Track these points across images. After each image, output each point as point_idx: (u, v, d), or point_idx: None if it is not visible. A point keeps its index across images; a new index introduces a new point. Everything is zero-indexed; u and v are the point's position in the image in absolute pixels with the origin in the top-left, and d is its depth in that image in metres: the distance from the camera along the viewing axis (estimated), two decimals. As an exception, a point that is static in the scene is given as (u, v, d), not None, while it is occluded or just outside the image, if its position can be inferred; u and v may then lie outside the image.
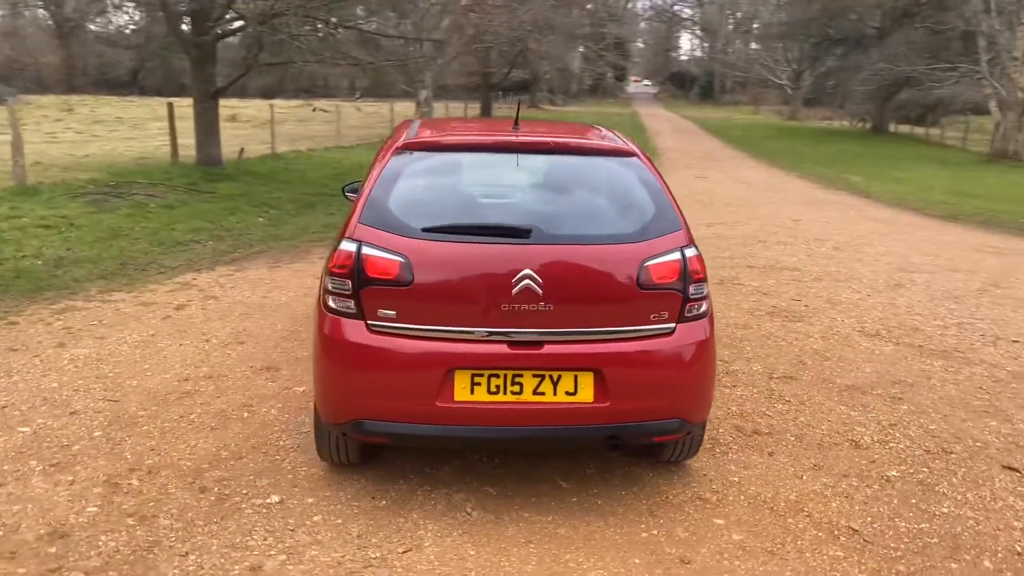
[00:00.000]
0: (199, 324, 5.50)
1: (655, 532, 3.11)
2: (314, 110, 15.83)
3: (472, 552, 2.92)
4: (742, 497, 3.42)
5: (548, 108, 47.66)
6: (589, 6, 40.06)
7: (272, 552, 2.88)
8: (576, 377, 2.99)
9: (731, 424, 4.15)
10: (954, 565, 2.96)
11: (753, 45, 58.61)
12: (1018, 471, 3.73)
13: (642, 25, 75.52)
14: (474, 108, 34.85)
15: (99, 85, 45.63)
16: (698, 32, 76.69)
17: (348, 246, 3.05)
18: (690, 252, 3.15)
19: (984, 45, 22.40)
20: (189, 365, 4.73)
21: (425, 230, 3.03)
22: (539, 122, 3.88)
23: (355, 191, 4.89)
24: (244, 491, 3.30)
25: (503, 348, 2.97)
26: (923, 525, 3.23)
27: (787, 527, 3.19)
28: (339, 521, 3.10)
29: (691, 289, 3.11)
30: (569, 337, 2.99)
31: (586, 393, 3.00)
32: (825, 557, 2.98)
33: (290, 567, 2.80)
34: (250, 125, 25.25)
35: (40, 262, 6.88)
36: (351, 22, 12.18)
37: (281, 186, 12.41)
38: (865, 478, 3.62)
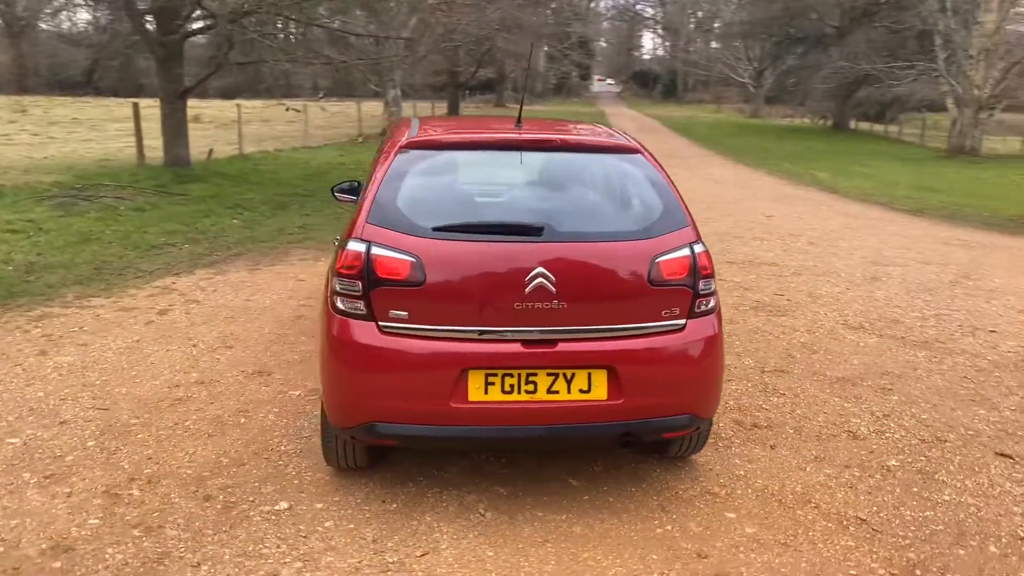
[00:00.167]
0: (184, 329, 5.38)
1: (669, 528, 3.12)
2: (287, 109, 15.55)
3: (490, 553, 2.89)
4: (750, 490, 3.45)
5: (514, 107, 47.67)
6: (554, 5, 40.15)
7: (287, 560, 2.82)
8: (590, 375, 2.99)
9: (730, 418, 4.19)
10: (961, 551, 3.02)
11: (714, 44, 59.40)
12: (1011, 457, 3.83)
13: (605, 24, 75.98)
14: (441, 107, 34.71)
15: (52, 86, 44.37)
16: (660, 31, 77.44)
17: (357, 246, 3.00)
18: (699, 248, 3.17)
19: (940, 43, 22.99)
20: (178, 371, 4.62)
21: (436, 229, 2.99)
22: (541, 119, 3.87)
23: (345, 191, 4.85)
24: (250, 498, 3.23)
25: (517, 347, 2.95)
26: (927, 513, 3.29)
27: (797, 519, 3.22)
28: (351, 526, 3.05)
29: (700, 285, 3.13)
30: (583, 335, 2.98)
31: (600, 391, 2.99)
32: (838, 547, 3.02)
33: (307, 574, 2.74)
34: (213, 126, 24.82)
35: (11, 268, 6.66)
36: (321, 20, 11.98)
37: (252, 187, 12.21)
38: (866, 468, 3.68)
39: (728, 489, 3.45)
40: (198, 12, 10.81)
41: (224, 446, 3.70)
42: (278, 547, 2.89)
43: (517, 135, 3.37)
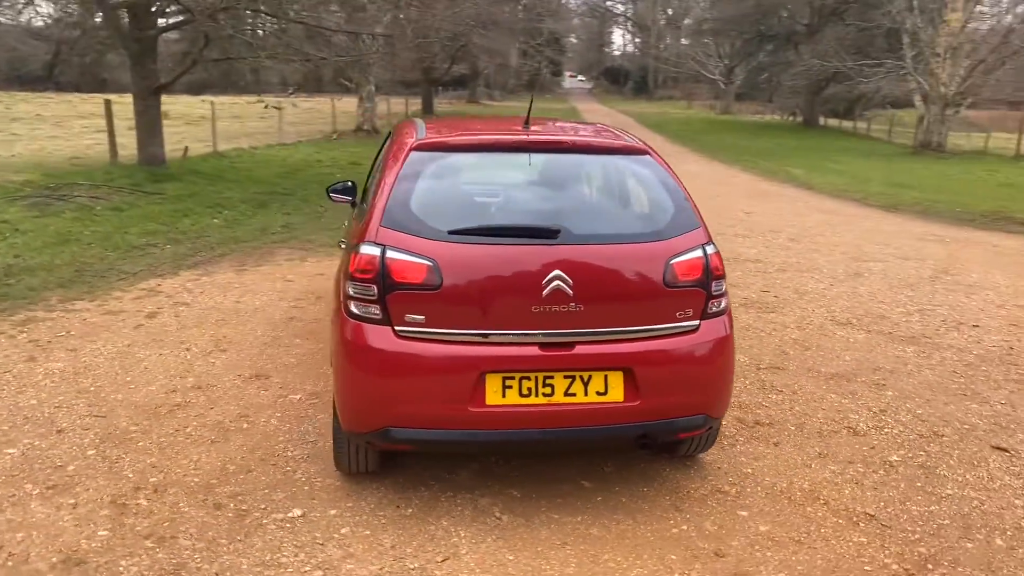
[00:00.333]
0: (175, 332, 5.28)
1: (684, 527, 3.15)
2: (266, 107, 15.36)
3: (511, 557, 2.89)
4: (759, 488, 3.49)
5: (488, 103, 47.58)
6: (525, 1, 40.16)
7: (306, 568, 2.78)
8: (606, 377, 2.99)
9: (733, 416, 4.23)
10: (969, 544, 3.09)
11: (684, 40, 59.82)
12: (1007, 451, 3.92)
13: (575, 21, 76.14)
14: (415, 103, 34.51)
15: (10, 81, 43.20)
16: (630, 27, 77.79)
17: (371, 250, 2.97)
18: (710, 249, 3.19)
19: (908, 42, 23.43)
20: (174, 376, 4.53)
21: (452, 232, 2.97)
22: (548, 120, 3.86)
23: (339, 191, 4.79)
24: (262, 506, 3.18)
25: (534, 350, 2.94)
26: (933, 507, 3.36)
27: (808, 516, 3.27)
28: (368, 532, 3.02)
29: (713, 286, 3.15)
30: (600, 337, 2.99)
31: (616, 392, 3.00)
32: (850, 544, 3.07)
33: (328, 583, 2.72)
34: (183, 122, 24.38)
35: (-11, 271, 6.48)
36: (301, 16, 11.82)
37: (230, 185, 12.03)
38: (869, 464, 3.75)
39: (738, 487, 3.48)
40: (173, 7, 10.59)
41: (229, 452, 3.64)
42: (296, 555, 2.86)
43: (529, 136, 3.36)
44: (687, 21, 59.10)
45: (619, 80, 71.39)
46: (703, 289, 3.12)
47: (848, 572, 2.88)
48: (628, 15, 75.05)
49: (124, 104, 15.16)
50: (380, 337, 2.94)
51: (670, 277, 3.05)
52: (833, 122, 35.91)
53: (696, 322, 3.12)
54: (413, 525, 3.08)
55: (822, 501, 3.39)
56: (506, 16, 27.06)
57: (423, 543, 2.96)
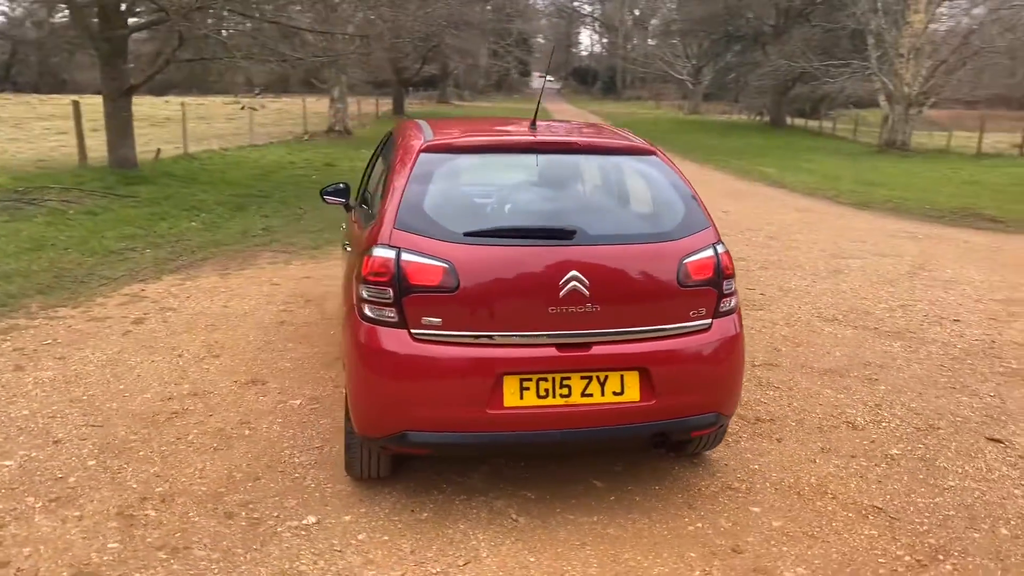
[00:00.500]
0: (165, 338, 5.18)
1: (700, 525, 3.17)
2: (242, 108, 15.12)
3: (532, 559, 2.88)
4: (767, 484, 3.53)
5: (458, 104, 47.47)
6: (494, 1, 40.15)
7: (327, 576, 2.75)
8: (622, 377, 3.00)
9: (735, 413, 4.26)
10: (976, 534, 3.16)
11: (651, 41, 60.31)
12: (1001, 442, 4.02)
13: (543, 21, 76.34)
14: (385, 104, 34.30)
15: (-36, 82, 42.07)
16: (598, 28, 78.22)
17: (385, 253, 2.94)
18: (720, 248, 3.22)
19: (873, 43, 23.92)
20: (168, 383, 4.44)
21: (467, 234, 2.95)
22: (552, 121, 3.86)
23: (331, 193, 4.74)
24: (275, 514, 3.14)
25: (552, 351, 2.94)
26: (937, 499, 3.43)
27: (818, 510, 3.31)
28: (386, 538, 2.99)
29: (724, 285, 3.18)
30: (616, 337, 2.99)
31: (632, 392, 3.01)
32: (862, 537, 3.12)
33: (351, 590, 2.68)
34: (148, 124, 23.91)
35: (-36, 278, 6.29)
36: (276, 16, 11.67)
37: (205, 188, 11.84)
38: (871, 457, 3.81)
39: (747, 484, 3.52)
40: (145, 6, 10.38)
41: (234, 460, 3.58)
42: (315, 563, 2.82)
43: (537, 137, 3.36)
44: (654, 22, 59.65)
45: (587, 80, 71.73)
46: (715, 288, 3.15)
47: (863, 565, 2.93)
48: (595, 15, 75.45)
49: (86, 105, 14.81)
50: (396, 340, 2.91)
51: (683, 276, 3.08)
52: (799, 122, 36.51)
53: (708, 321, 3.14)
54: (430, 529, 3.06)
55: (830, 495, 3.44)
56: (477, 16, 27.00)
57: (442, 547, 2.94)
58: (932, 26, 23.66)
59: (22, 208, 9.09)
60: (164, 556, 2.83)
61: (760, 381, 4.79)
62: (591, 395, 2.98)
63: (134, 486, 3.32)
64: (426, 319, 2.90)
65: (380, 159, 4.21)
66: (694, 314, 3.11)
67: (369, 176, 4.35)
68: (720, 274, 3.16)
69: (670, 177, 3.37)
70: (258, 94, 41.49)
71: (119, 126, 12.06)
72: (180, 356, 4.87)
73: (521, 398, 2.93)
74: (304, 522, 3.08)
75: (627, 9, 66.44)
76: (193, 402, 4.20)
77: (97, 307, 5.82)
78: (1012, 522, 3.25)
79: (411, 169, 3.15)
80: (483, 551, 2.93)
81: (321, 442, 3.79)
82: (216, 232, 8.89)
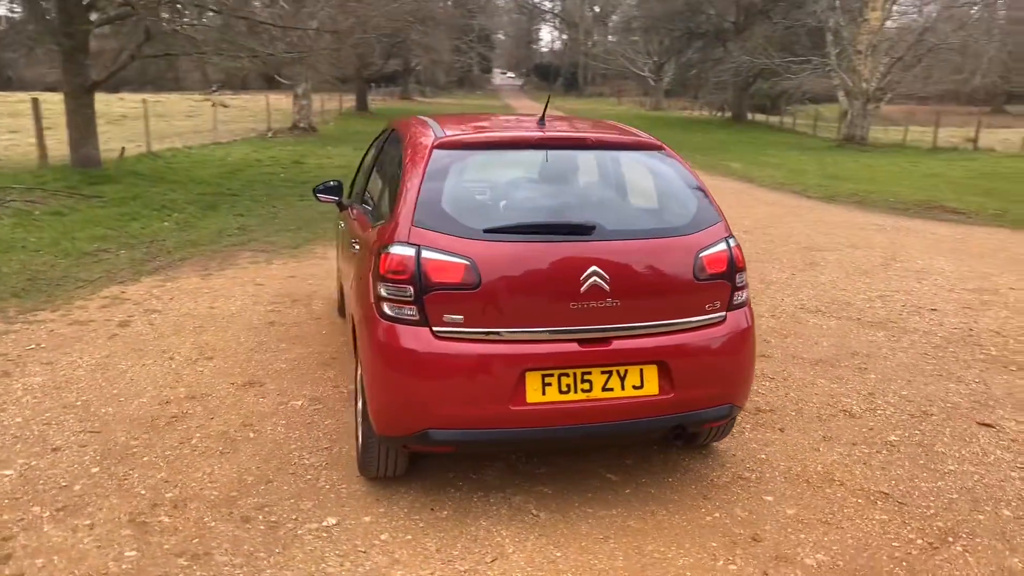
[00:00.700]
0: (154, 341, 5.06)
1: (717, 515, 3.21)
2: (213, 105, 14.83)
3: (558, 554, 2.89)
4: (776, 473, 3.59)
5: (420, 100, 47.17)
6: (453, -2, 40.03)
7: (355, 577, 2.72)
8: (642, 371, 3.03)
9: (735, 404, 4.33)
10: (980, 517, 3.26)
11: (611, 37, 60.67)
12: (992, 426, 4.15)
13: (503, 18, 76.26)
14: (349, 100, 33.91)
15: (-99, 78, 40.33)
16: (558, 24, 78.43)
17: (404, 250, 2.91)
18: (732, 242, 3.26)
19: (832, 39, 24.43)
20: (163, 386, 4.35)
21: (487, 231, 2.94)
22: (560, 117, 3.86)
23: (322, 191, 4.70)
24: (293, 516, 3.09)
25: (574, 346, 2.95)
26: (940, 483, 3.53)
27: (828, 497, 3.38)
28: (409, 537, 2.97)
29: (737, 278, 3.22)
30: (636, 331, 3.01)
31: (651, 386, 3.03)
32: (874, 522, 3.19)
33: (381, 591, 2.66)
34: (104, 121, 23.22)
35: (-68, 282, 6.06)
36: (241, 10, 11.45)
37: (173, 187, 11.58)
38: (872, 444, 3.91)
39: (757, 473, 3.58)
40: (108, 1, 10.09)
41: (242, 463, 3.52)
42: (341, 565, 2.79)
43: (549, 133, 3.35)
44: (615, 18, 59.98)
45: (548, 77, 71.89)
46: (728, 281, 3.19)
47: (879, 549, 3.00)
48: (556, 11, 75.63)
49: (38, 102, 14.34)
50: (417, 338, 2.89)
51: (699, 270, 3.11)
52: (760, 117, 37.13)
53: (723, 314, 3.19)
54: (453, 527, 3.05)
55: (838, 482, 3.51)
56: (441, 11, 26.87)
57: (468, 545, 2.93)
58: (888, 24, 24.27)
59: (-15, 209, 8.78)
60: (185, 563, 2.77)
61: (756, 372, 4.86)
62: (611, 389, 2.99)
63: (143, 492, 3.24)
64: (448, 316, 2.88)
65: (381, 156, 4.17)
66: (709, 307, 3.15)
67: (370, 174, 4.29)
68: (733, 267, 3.20)
69: (680, 172, 3.41)
70: (215, 91, 40.71)
71: (81, 124, 11.72)
72: (172, 359, 4.76)
73: (543, 394, 2.93)
74: (324, 524, 3.04)
75: (587, 5, 66.72)
76: (192, 405, 4.12)
77: (78, 310, 5.66)
78: (1013, 503, 3.37)
79: (425, 166, 3.12)
80: (508, 547, 2.93)
81: (329, 443, 3.74)
82: (191, 232, 8.71)
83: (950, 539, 3.09)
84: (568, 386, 2.96)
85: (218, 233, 8.73)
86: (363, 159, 4.98)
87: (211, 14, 10.99)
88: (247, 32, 11.72)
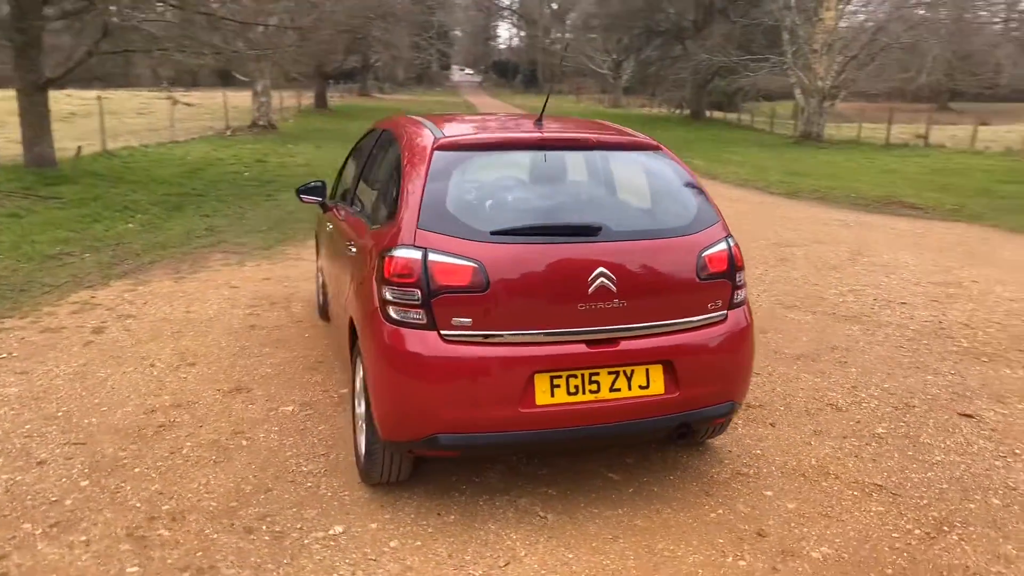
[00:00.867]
0: (131, 348, 4.91)
1: (720, 511, 3.25)
2: (174, 103, 14.44)
3: (570, 555, 2.89)
4: (773, 468, 3.65)
5: (379, 97, 46.76)
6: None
7: (369, 586, 2.68)
8: (647, 370, 3.04)
9: (725, 401, 4.38)
10: (972, 505, 3.36)
11: (569, 35, 60.93)
12: (972, 416, 4.28)
13: (460, 15, 76.01)
14: (308, 97, 33.41)
15: None
16: (516, 21, 78.46)
17: (410, 253, 2.88)
18: (732, 241, 3.30)
19: (788, 38, 24.91)
20: (146, 394, 4.23)
21: (494, 233, 2.92)
22: (558, 117, 3.85)
23: (304, 192, 4.63)
24: (297, 525, 3.03)
25: (582, 348, 2.95)
26: (929, 474, 3.63)
27: (825, 490, 3.45)
28: (419, 543, 2.94)
29: (736, 277, 3.26)
30: (642, 332, 3.03)
31: (657, 385, 3.05)
32: (871, 514, 3.26)
33: (397, 599, 2.63)
34: (53, 119, 22.51)
35: None
36: (199, 5, 11.19)
37: (133, 187, 11.28)
38: (861, 437, 3.99)
39: (755, 469, 3.63)
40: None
41: (238, 472, 3.44)
42: (353, 574, 2.74)
43: (548, 134, 3.35)
44: (573, 15, 60.22)
45: (507, 74, 71.89)
46: (729, 280, 3.23)
47: (880, 541, 3.07)
48: (514, 8, 75.64)
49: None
50: (425, 342, 2.86)
51: (701, 270, 3.14)
52: (718, 114, 37.67)
53: (724, 312, 3.22)
54: (461, 532, 3.03)
55: (833, 475, 3.58)
56: (400, 8, 26.64)
57: (479, 549, 2.91)
58: (842, 23, 24.85)
59: (-63, 212, 8.43)
60: (191, 577, 2.70)
61: (741, 368, 4.93)
62: (619, 389, 3.00)
63: (138, 505, 3.14)
64: (456, 320, 2.86)
65: (371, 157, 4.10)
66: (711, 306, 3.18)
67: (359, 176, 4.21)
68: (733, 266, 3.24)
69: (678, 171, 3.44)
70: (165, 87, 39.68)
71: (35, 122, 11.33)
72: (152, 366, 4.63)
73: (552, 395, 2.93)
74: (331, 532, 2.99)
75: (546, 3, 66.88)
76: (178, 413, 4.01)
77: (47, 316, 5.47)
78: (1000, 492, 3.47)
79: (427, 168, 3.08)
80: (520, 550, 2.92)
81: (325, 449, 3.68)
82: (157, 234, 8.49)
83: (945, 528, 3.17)
84: (576, 387, 2.96)
85: (186, 235, 8.52)
86: (346, 160, 4.90)
87: (171, 10, 10.68)
88: (208, 28, 11.45)
